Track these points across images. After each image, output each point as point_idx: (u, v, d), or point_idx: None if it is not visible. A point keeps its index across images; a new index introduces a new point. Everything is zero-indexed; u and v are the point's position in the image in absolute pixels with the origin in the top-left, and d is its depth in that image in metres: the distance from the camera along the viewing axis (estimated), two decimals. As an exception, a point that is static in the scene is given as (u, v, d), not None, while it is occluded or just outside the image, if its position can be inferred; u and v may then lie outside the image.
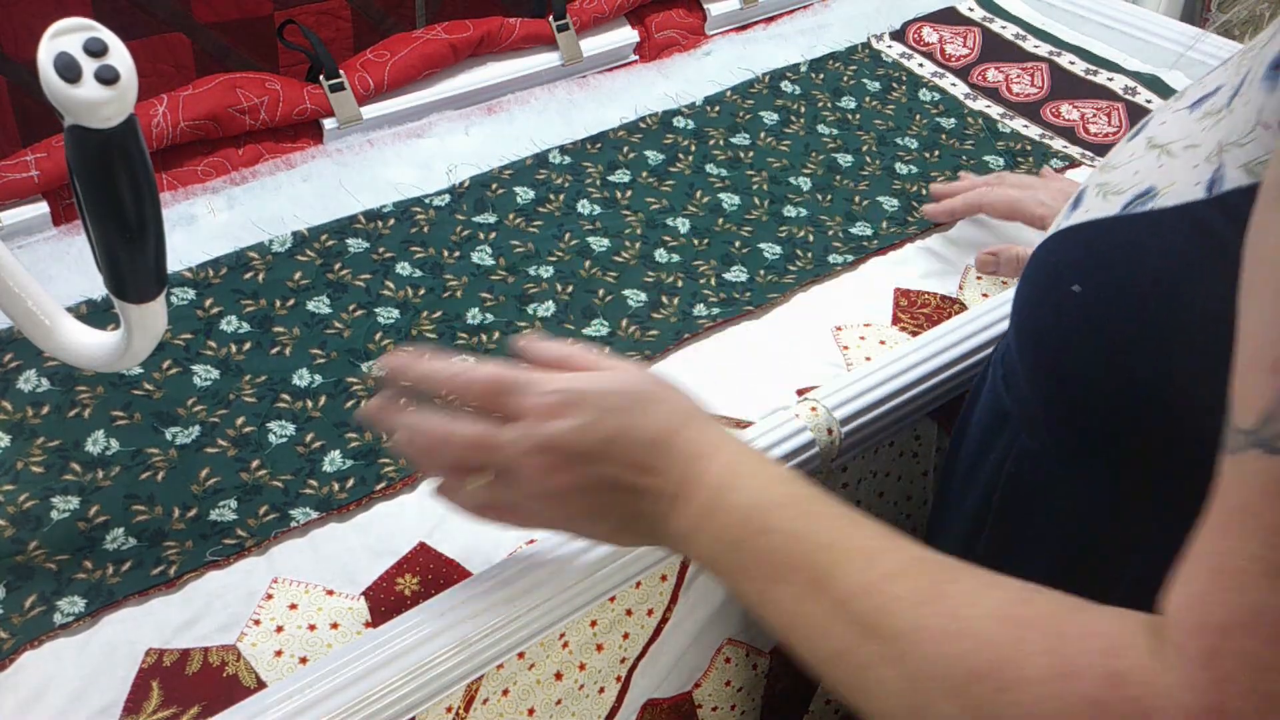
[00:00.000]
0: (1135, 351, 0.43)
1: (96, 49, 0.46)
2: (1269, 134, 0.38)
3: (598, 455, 0.49)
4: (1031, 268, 0.49)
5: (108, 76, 0.46)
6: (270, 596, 0.59)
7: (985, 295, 0.83)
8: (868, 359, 0.77)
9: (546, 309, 0.80)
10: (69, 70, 0.45)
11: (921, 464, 0.79)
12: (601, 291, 0.82)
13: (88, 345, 0.58)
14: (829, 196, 0.94)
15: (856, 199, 0.94)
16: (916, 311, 0.83)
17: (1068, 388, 0.47)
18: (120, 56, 0.47)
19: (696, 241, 0.87)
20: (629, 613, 0.64)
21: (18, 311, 0.56)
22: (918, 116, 1.05)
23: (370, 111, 0.96)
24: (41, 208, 0.81)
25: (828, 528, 0.43)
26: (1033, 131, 1.03)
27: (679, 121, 1.00)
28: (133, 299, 0.53)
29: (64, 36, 0.46)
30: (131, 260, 0.51)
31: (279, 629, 0.58)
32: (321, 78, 0.94)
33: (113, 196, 0.49)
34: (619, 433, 0.49)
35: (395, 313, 0.78)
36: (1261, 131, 0.39)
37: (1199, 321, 0.39)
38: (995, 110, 1.07)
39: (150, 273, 0.53)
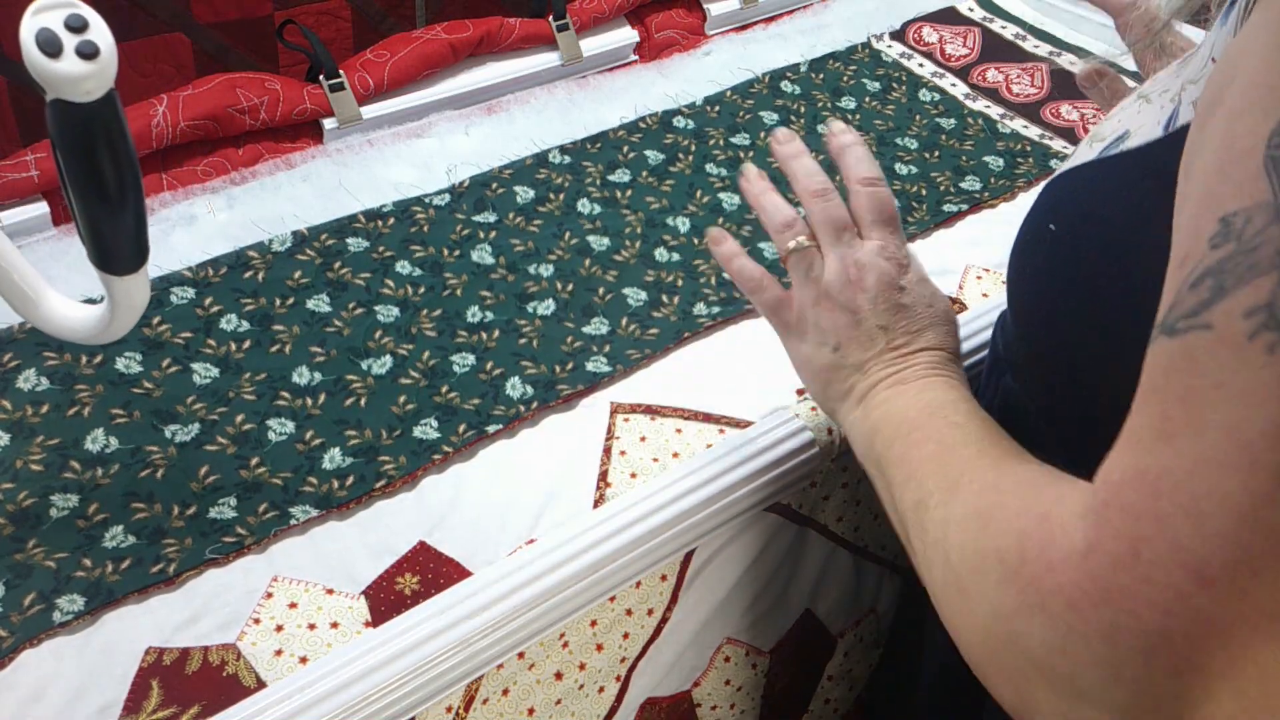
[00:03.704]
0: (1098, 290, 0.45)
1: (77, 25, 0.47)
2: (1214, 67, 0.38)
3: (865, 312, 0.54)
4: (1029, 211, 0.52)
5: (88, 51, 0.47)
6: (270, 595, 0.59)
7: (985, 295, 0.83)
8: (868, 359, 0.77)
9: (546, 307, 0.80)
10: (50, 45, 0.46)
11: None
12: (602, 290, 0.82)
13: (70, 318, 0.59)
14: (829, 196, 0.94)
15: (856, 199, 0.94)
16: (916, 311, 0.83)
17: (1037, 327, 0.51)
18: (100, 32, 0.47)
19: (696, 241, 0.87)
20: (629, 612, 0.64)
21: (2, 284, 0.57)
22: (918, 117, 1.05)
23: (370, 111, 0.96)
24: (41, 208, 0.81)
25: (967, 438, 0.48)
26: (1032, 132, 1.04)
27: (679, 121, 1.00)
28: (115, 270, 0.54)
29: (45, 13, 0.47)
30: (114, 232, 0.52)
31: (279, 628, 0.58)
32: (321, 78, 0.94)
33: (95, 169, 0.50)
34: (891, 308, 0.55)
35: (395, 311, 0.78)
36: (1211, 66, 0.40)
37: (1154, 260, 0.39)
38: (995, 110, 1.07)
39: (132, 244, 0.53)
